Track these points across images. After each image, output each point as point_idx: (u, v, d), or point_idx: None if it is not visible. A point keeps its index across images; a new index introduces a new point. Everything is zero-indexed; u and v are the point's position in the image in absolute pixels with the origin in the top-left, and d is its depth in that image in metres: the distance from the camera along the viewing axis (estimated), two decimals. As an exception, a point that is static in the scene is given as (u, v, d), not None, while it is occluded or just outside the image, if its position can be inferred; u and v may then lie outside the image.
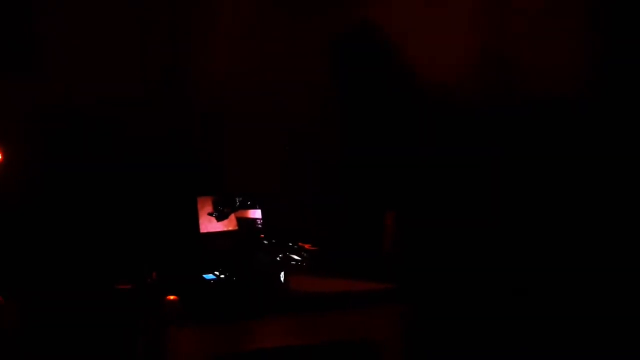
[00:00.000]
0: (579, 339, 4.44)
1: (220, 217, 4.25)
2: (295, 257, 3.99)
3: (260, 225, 4.23)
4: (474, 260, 4.40)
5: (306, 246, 4.05)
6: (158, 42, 4.77)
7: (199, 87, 4.76)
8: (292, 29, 4.86)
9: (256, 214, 4.30)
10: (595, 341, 4.42)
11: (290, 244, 4.05)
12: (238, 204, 4.30)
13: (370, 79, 4.16)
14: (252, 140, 4.79)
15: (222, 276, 3.97)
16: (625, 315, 4.43)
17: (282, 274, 3.86)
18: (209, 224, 4.25)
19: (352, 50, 4.27)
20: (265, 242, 4.09)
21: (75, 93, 4.62)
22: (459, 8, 4.81)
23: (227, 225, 4.26)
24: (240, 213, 4.30)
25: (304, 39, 4.86)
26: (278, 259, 3.96)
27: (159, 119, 4.68)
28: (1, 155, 4.39)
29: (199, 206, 4.30)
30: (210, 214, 4.24)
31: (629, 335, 4.39)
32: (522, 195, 4.68)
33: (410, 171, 4.07)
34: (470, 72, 4.75)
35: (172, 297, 3.73)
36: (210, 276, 3.98)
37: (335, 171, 4.77)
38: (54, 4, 4.63)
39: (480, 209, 4.53)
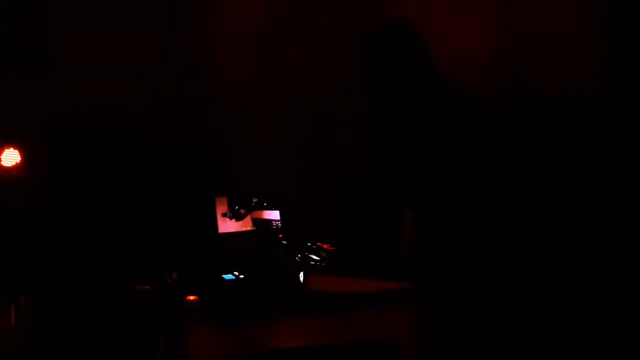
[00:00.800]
0: (598, 338, 4.45)
1: (235, 218, 4.26)
2: (314, 257, 3.99)
3: (277, 225, 4.24)
4: (491, 259, 4.41)
5: (325, 246, 4.05)
6: (173, 43, 4.77)
7: (216, 87, 4.76)
8: (309, 28, 4.86)
9: (274, 214, 4.31)
10: (620, 342, 4.42)
11: (309, 244, 4.06)
12: (254, 204, 4.30)
13: (388, 79, 4.17)
14: (270, 140, 4.80)
15: (241, 276, 3.97)
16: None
17: (301, 274, 3.87)
18: (227, 224, 4.26)
19: (369, 51, 4.28)
20: (284, 242, 4.10)
21: (91, 94, 4.63)
22: (473, 10, 4.84)
23: (246, 225, 4.27)
24: (258, 213, 4.31)
25: (320, 38, 4.86)
26: (297, 259, 3.96)
27: (178, 120, 4.69)
28: (20, 157, 4.40)
29: (217, 206, 4.31)
30: (224, 215, 4.25)
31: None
32: (540, 194, 4.69)
33: (428, 171, 4.08)
34: (486, 74, 4.77)
35: (191, 297, 3.74)
36: (229, 276, 3.99)
37: (354, 171, 4.78)
38: (68, 8, 4.64)
39: (497, 209, 4.54)
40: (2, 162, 4.42)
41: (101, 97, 4.62)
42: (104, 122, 4.61)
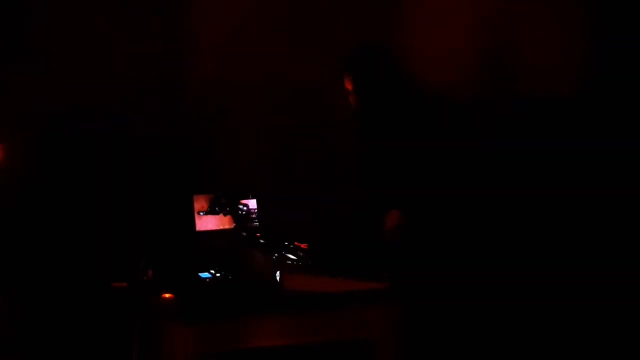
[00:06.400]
0: (575, 339, 4.47)
1: (211, 214, 4.25)
2: (291, 256, 3.98)
3: (256, 224, 4.23)
4: (469, 259, 4.41)
5: (302, 245, 4.04)
6: (155, 43, 4.76)
7: (196, 85, 4.76)
8: (290, 27, 4.87)
9: (252, 213, 4.30)
10: (590, 342, 4.44)
11: (287, 243, 4.05)
12: (232, 205, 4.30)
13: (372, 76, 4.16)
14: (250, 139, 4.80)
15: (217, 275, 3.97)
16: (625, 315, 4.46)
17: (278, 273, 3.86)
18: (204, 222, 4.25)
19: (353, 50, 4.27)
20: (262, 241, 4.09)
21: (73, 92, 4.62)
22: (461, 12, 4.85)
23: (223, 223, 4.26)
24: (237, 211, 4.30)
25: (302, 37, 4.87)
26: (274, 258, 3.95)
27: (156, 118, 4.69)
28: (1, 153, 4.39)
29: (195, 204, 4.30)
30: (200, 212, 4.24)
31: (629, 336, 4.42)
32: (522, 193, 4.71)
33: (410, 169, 4.08)
34: (473, 73, 4.78)
35: (167, 295, 3.73)
36: (205, 274, 3.98)
37: (337, 169, 4.79)
38: (54, 4, 4.63)
39: (476, 208, 4.55)
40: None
41: (82, 93, 4.62)
42: (83, 118, 4.60)
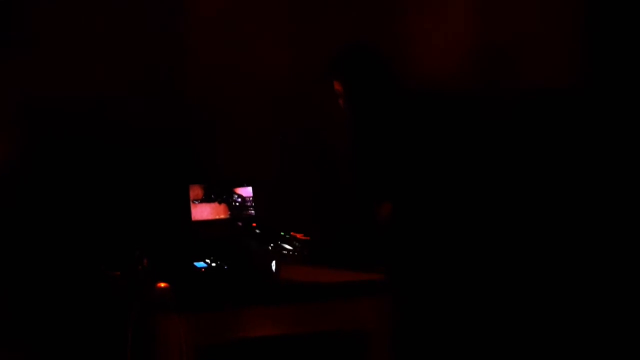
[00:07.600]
0: (571, 334, 4.48)
1: (206, 201, 4.25)
2: (287, 246, 3.98)
3: (251, 212, 4.24)
4: (465, 252, 4.41)
5: (298, 236, 4.04)
6: (150, 35, 4.75)
7: (193, 74, 4.75)
8: (290, 24, 4.86)
9: (247, 201, 4.30)
10: (588, 341, 4.46)
11: (283, 233, 4.05)
12: (227, 192, 4.30)
13: (362, 77, 4.16)
14: (246, 129, 4.79)
15: (213, 264, 3.96)
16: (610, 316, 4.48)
17: (274, 263, 3.86)
18: (200, 212, 4.25)
19: (341, 52, 4.27)
20: (258, 231, 4.09)
21: (68, 84, 4.61)
22: (454, 10, 4.86)
23: (219, 213, 4.26)
24: (233, 201, 4.30)
25: (298, 30, 4.86)
26: (270, 248, 3.95)
27: (152, 107, 4.68)
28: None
29: (190, 194, 4.30)
30: (195, 201, 4.24)
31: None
32: (517, 189, 4.71)
33: (404, 162, 4.08)
34: (468, 68, 4.79)
35: (162, 285, 3.73)
36: (201, 264, 3.98)
37: (330, 161, 4.79)
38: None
39: (473, 202, 4.55)
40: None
41: (76, 86, 4.60)
42: (78, 106, 4.59)
